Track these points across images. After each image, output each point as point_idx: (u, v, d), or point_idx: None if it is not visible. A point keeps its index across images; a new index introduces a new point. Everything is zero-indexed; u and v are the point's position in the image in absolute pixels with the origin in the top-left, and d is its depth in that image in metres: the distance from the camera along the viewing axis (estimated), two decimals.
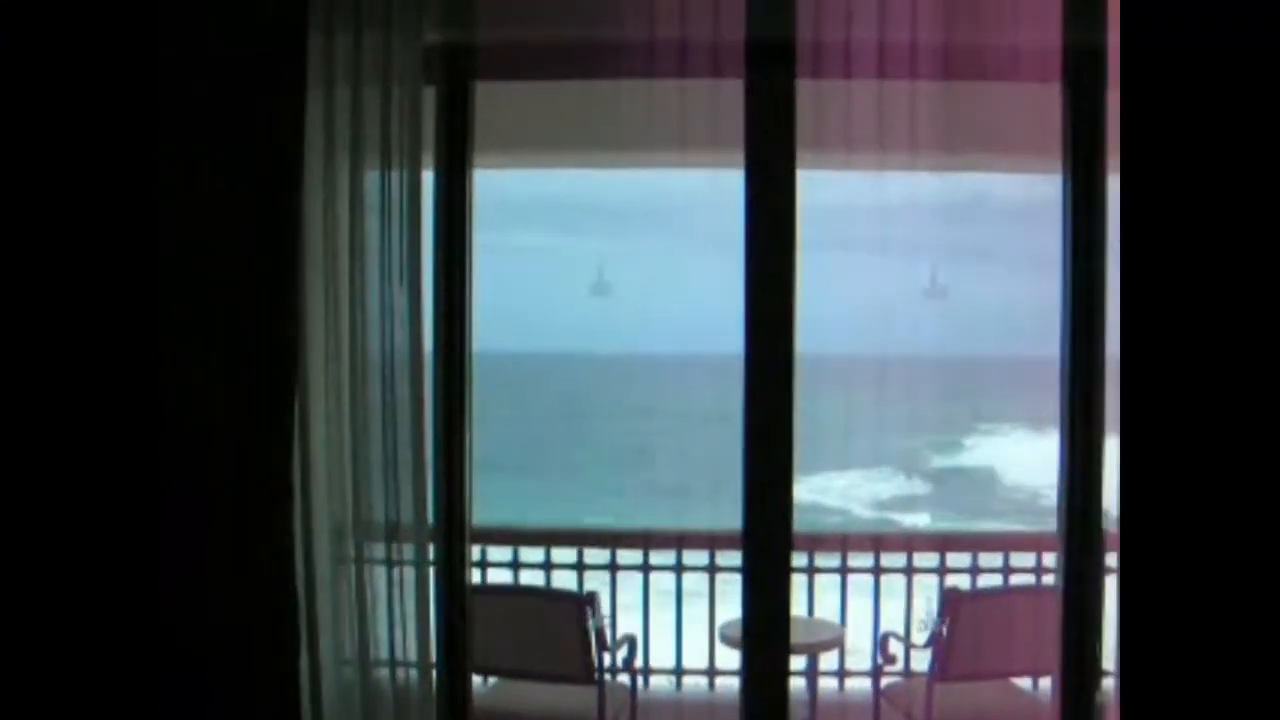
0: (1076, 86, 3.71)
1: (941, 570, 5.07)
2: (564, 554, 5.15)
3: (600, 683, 4.30)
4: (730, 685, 5.21)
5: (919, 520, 18.23)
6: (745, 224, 3.76)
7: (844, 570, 5.12)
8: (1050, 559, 4.90)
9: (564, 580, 5.09)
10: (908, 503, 19.89)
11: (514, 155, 4.41)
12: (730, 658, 5.13)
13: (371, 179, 3.58)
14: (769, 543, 3.81)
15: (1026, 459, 19.92)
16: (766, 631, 3.85)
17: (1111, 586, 3.94)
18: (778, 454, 3.77)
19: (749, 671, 3.91)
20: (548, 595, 4.80)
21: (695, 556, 5.19)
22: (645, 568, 5.16)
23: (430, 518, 3.64)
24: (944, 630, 4.28)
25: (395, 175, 3.59)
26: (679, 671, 5.25)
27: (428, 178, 3.64)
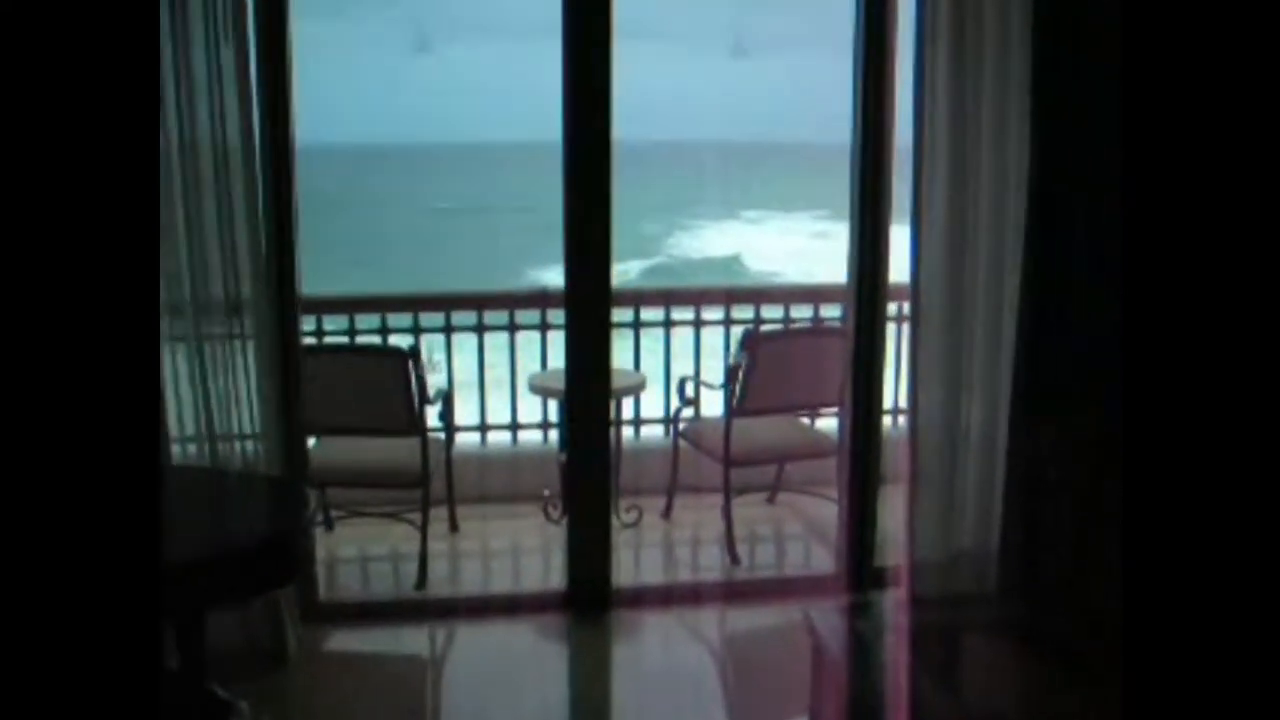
0: None
1: (727, 322, 5.45)
2: (370, 321, 5.25)
3: (423, 433, 4.48)
4: (530, 438, 5.54)
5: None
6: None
7: (636, 325, 5.42)
8: (826, 311, 5.38)
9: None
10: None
11: None
12: (530, 412, 5.44)
13: None
14: (589, 299, 4.05)
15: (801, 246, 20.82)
16: (588, 380, 4.12)
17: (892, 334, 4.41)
18: (596, 220, 3.97)
19: (573, 419, 4.21)
20: (374, 352, 4.89)
21: (493, 317, 5.40)
22: (447, 329, 5.32)
23: (266, 292, 3.69)
24: (741, 369, 4.64)
25: None
26: (484, 427, 5.50)
27: None
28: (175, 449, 3.67)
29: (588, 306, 4.05)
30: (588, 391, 4.14)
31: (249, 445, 3.74)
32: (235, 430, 3.72)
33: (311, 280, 3.96)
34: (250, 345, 3.70)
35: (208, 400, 3.68)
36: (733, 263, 22.68)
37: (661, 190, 25.48)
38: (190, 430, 3.70)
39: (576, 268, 4.01)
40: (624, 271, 22.34)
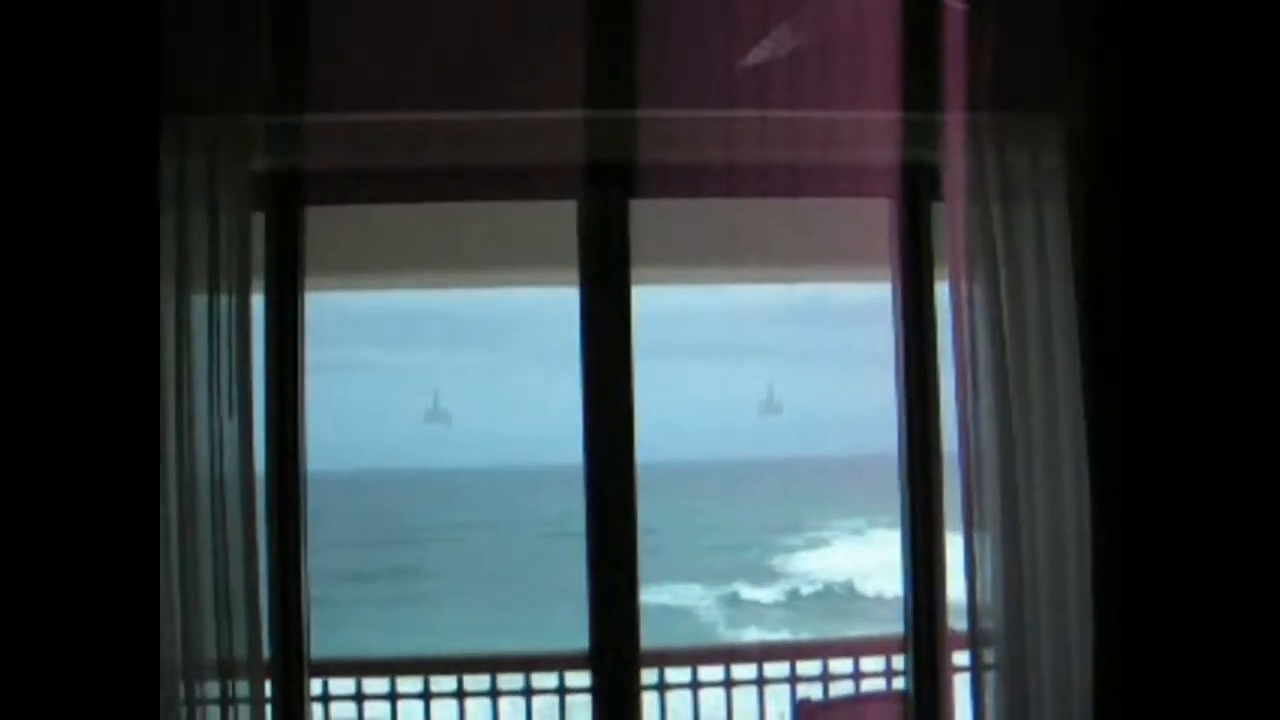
0: (909, 200, 3.86)
1: (793, 680, 5.04)
2: (410, 683, 4.98)
3: None
4: None
5: (764, 623, 18.15)
6: (581, 340, 3.77)
7: (695, 685, 5.06)
8: (900, 661, 4.97)
9: (411, 710, 4.92)
10: (751, 612, 19.83)
11: (348, 277, 4.37)
12: None
13: (198, 305, 3.50)
14: (617, 660, 3.77)
15: (870, 559, 20.15)
16: None
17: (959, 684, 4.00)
18: (622, 567, 3.75)
19: None
20: None
21: (544, 679, 5.09)
22: (493, 693, 5.02)
23: (266, 653, 3.52)
24: None
25: (223, 301, 3.51)
26: None
27: (258, 301, 3.59)
28: None
29: (614, 664, 3.77)
30: None
31: None
32: None
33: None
34: (244, 711, 3.48)
35: None
36: (847, 585, 21.70)
37: (752, 509, 24.82)
38: None
39: (600, 619, 3.75)
40: (731, 593, 21.64)
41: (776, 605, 20.10)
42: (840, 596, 21.08)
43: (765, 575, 23.10)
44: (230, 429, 3.47)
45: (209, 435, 3.46)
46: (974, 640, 3.65)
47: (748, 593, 21.23)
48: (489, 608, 18.05)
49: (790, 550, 24.94)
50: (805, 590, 21.55)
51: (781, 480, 23.60)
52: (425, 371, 32.06)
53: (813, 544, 25.41)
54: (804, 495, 25.92)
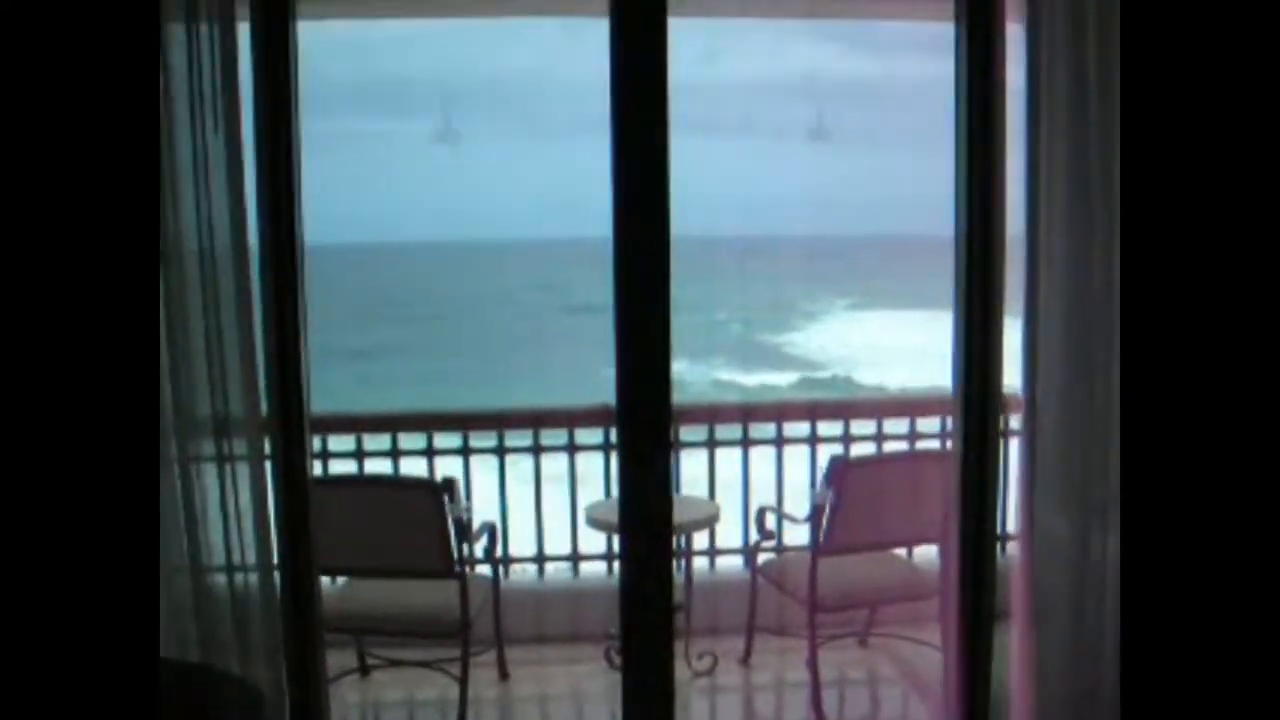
0: None
1: (813, 440, 4.84)
2: (414, 440, 4.75)
3: (462, 576, 3.95)
4: (595, 570, 4.94)
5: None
6: (612, 85, 3.30)
7: (711, 444, 4.85)
8: (924, 424, 4.76)
9: (414, 468, 4.70)
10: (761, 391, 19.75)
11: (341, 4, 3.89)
12: (593, 541, 4.84)
13: (176, 33, 3.06)
14: (647, 417, 3.49)
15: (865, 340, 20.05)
16: (646, 511, 3.55)
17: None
18: (653, 328, 3.43)
19: (628, 555, 3.62)
20: (401, 484, 4.39)
21: (553, 436, 4.86)
22: (500, 450, 4.79)
23: (264, 409, 3.23)
24: (829, 500, 4.03)
25: (203, 28, 3.07)
26: (541, 559, 4.94)
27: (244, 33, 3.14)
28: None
29: (644, 424, 3.49)
30: (644, 523, 3.56)
31: (243, 579, 3.25)
32: (225, 563, 3.24)
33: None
34: (242, 469, 3.22)
35: (194, 528, 3.21)
36: (850, 368, 21.71)
37: (761, 288, 24.69)
38: (176, 561, 3.22)
39: (631, 378, 3.46)
40: (725, 377, 21.70)
41: (786, 387, 20.01)
42: (840, 381, 21.15)
43: (765, 353, 23.10)
44: (216, 144, 3.08)
45: (193, 157, 3.07)
46: (1031, 404, 3.42)
47: (740, 374, 21.13)
48: (492, 386, 17.78)
49: (797, 328, 25.01)
50: (804, 374, 21.50)
51: (794, 259, 23.27)
52: (426, 140, 30.75)
53: (815, 320, 25.48)
54: (814, 273, 25.76)
